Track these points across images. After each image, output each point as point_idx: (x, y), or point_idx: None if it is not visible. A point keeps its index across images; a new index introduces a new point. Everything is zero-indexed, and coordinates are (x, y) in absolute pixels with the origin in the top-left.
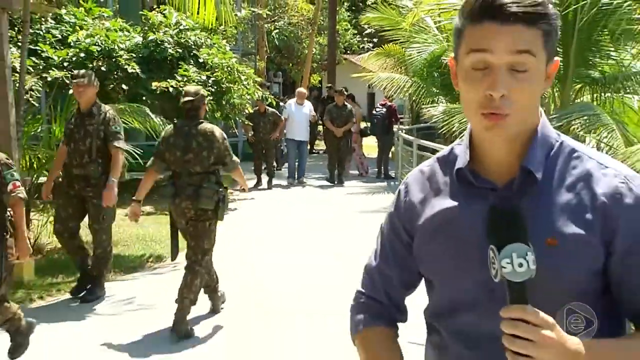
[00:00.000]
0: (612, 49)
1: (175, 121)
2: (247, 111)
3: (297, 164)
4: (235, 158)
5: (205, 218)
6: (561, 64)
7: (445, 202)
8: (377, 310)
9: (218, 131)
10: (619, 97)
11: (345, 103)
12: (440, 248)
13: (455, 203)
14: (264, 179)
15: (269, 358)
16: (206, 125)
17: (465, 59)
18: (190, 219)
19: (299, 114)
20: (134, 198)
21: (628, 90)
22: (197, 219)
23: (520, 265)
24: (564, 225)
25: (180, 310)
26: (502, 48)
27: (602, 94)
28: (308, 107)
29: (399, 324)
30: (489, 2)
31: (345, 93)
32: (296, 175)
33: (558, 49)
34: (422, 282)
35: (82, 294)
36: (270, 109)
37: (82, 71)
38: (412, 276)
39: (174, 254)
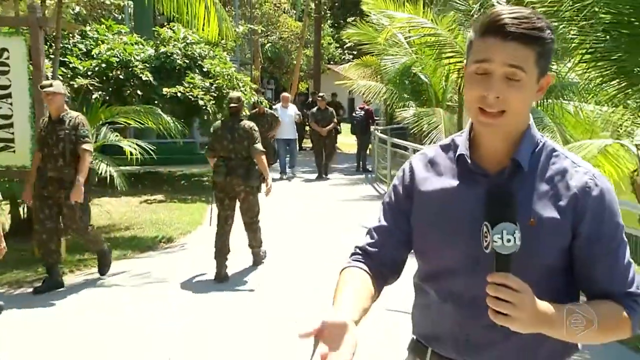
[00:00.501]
0: (553, 62)
1: (223, 119)
2: (244, 113)
3: (287, 159)
4: (261, 147)
5: (252, 192)
6: None
7: (444, 182)
8: (365, 259)
9: (251, 125)
10: (558, 103)
11: (327, 107)
12: (436, 220)
13: (453, 184)
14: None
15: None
16: (245, 122)
17: (471, 66)
18: (239, 193)
19: (284, 116)
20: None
21: (566, 98)
22: (246, 193)
23: (509, 240)
24: (542, 210)
25: (255, 252)
26: (499, 60)
27: (545, 100)
28: (292, 109)
29: (386, 289)
30: (494, 22)
31: (327, 99)
32: (287, 170)
33: None
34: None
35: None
36: (269, 111)
37: (51, 81)
38: (406, 239)
39: (212, 221)
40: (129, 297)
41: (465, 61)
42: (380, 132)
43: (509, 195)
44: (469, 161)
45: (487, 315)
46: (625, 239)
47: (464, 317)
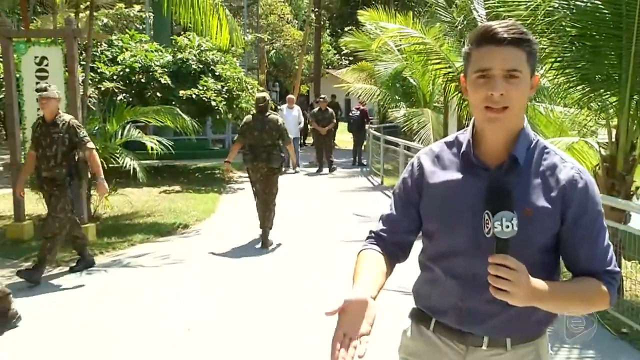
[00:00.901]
0: None
1: (253, 114)
2: (253, 111)
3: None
4: (290, 137)
5: (273, 173)
6: None
7: (449, 175)
8: (379, 242)
9: (280, 119)
10: (531, 105)
11: (327, 107)
12: (443, 209)
13: (458, 177)
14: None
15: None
16: (272, 115)
17: (473, 74)
18: (263, 174)
19: (289, 116)
20: (226, 160)
21: (538, 100)
22: (268, 174)
23: (507, 227)
24: (536, 200)
25: (266, 232)
26: (498, 64)
27: None
28: (296, 109)
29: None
30: (488, 32)
31: (328, 100)
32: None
33: None
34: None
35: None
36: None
37: (45, 85)
38: (414, 225)
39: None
40: (152, 276)
41: (464, 70)
42: (374, 130)
43: (507, 188)
44: (472, 157)
45: (486, 291)
46: (605, 225)
47: (466, 292)
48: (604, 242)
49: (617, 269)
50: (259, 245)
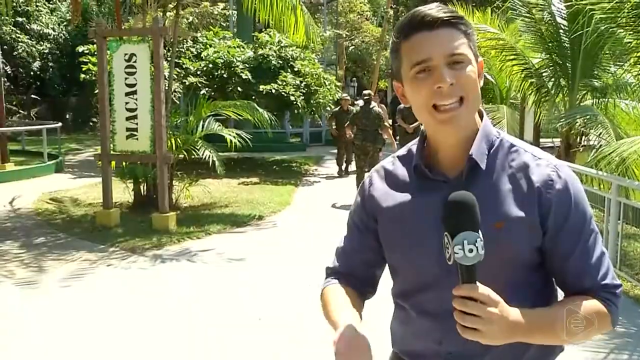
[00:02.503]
0: (610, 64)
1: (361, 105)
2: (330, 107)
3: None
4: (387, 123)
5: (377, 151)
6: (570, 74)
7: (404, 195)
8: (340, 278)
9: (381, 110)
10: (612, 102)
11: None
12: (402, 235)
13: (414, 195)
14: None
15: None
16: (375, 107)
17: (409, 71)
18: (369, 151)
19: None
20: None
21: (620, 97)
22: (374, 151)
23: (471, 250)
24: (508, 209)
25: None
26: (437, 50)
27: (601, 99)
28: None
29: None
30: (418, 17)
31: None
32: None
33: (567, 65)
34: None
35: None
36: (352, 108)
37: None
38: (375, 257)
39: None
40: (225, 266)
41: (395, 72)
42: None
43: (467, 201)
44: (425, 169)
45: None
46: (597, 229)
47: (443, 333)
48: (596, 251)
49: (617, 281)
50: (333, 238)
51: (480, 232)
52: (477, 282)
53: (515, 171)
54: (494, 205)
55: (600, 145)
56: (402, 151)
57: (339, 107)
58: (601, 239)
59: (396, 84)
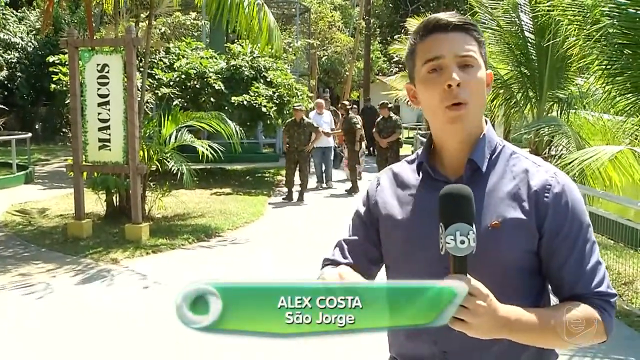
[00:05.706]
0: (576, 76)
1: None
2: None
3: (323, 169)
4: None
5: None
6: (538, 86)
7: (409, 194)
8: (337, 263)
9: (394, 116)
10: (575, 112)
11: (391, 115)
12: (403, 231)
13: (417, 194)
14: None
15: None
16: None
17: (422, 69)
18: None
19: (320, 123)
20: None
21: (585, 108)
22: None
23: (462, 242)
24: (505, 211)
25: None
26: (450, 51)
27: (566, 110)
28: (327, 116)
29: None
30: (433, 21)
31: (390, 105)
32: (324, 180)
33: (535, 75)
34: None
35: None
36: (306, 120)
37: None
38: (376, 252)
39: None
40: (194, 278)
41: (410, 74)
42: (420, 136)
43: (462, 193)
44: (429, 168)
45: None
46: (594, 239)
47: (439, 333)
48: (592, 259)
49: (611, 290)
50: (306, 248)
51: (473, 225)
52: (467, 275)
53: (515, 175)
54: (492, 206)
55: (562, 154)
56: (412, 156)
57: (292, 119)
58: (598, 250)
59: (408, 86)
